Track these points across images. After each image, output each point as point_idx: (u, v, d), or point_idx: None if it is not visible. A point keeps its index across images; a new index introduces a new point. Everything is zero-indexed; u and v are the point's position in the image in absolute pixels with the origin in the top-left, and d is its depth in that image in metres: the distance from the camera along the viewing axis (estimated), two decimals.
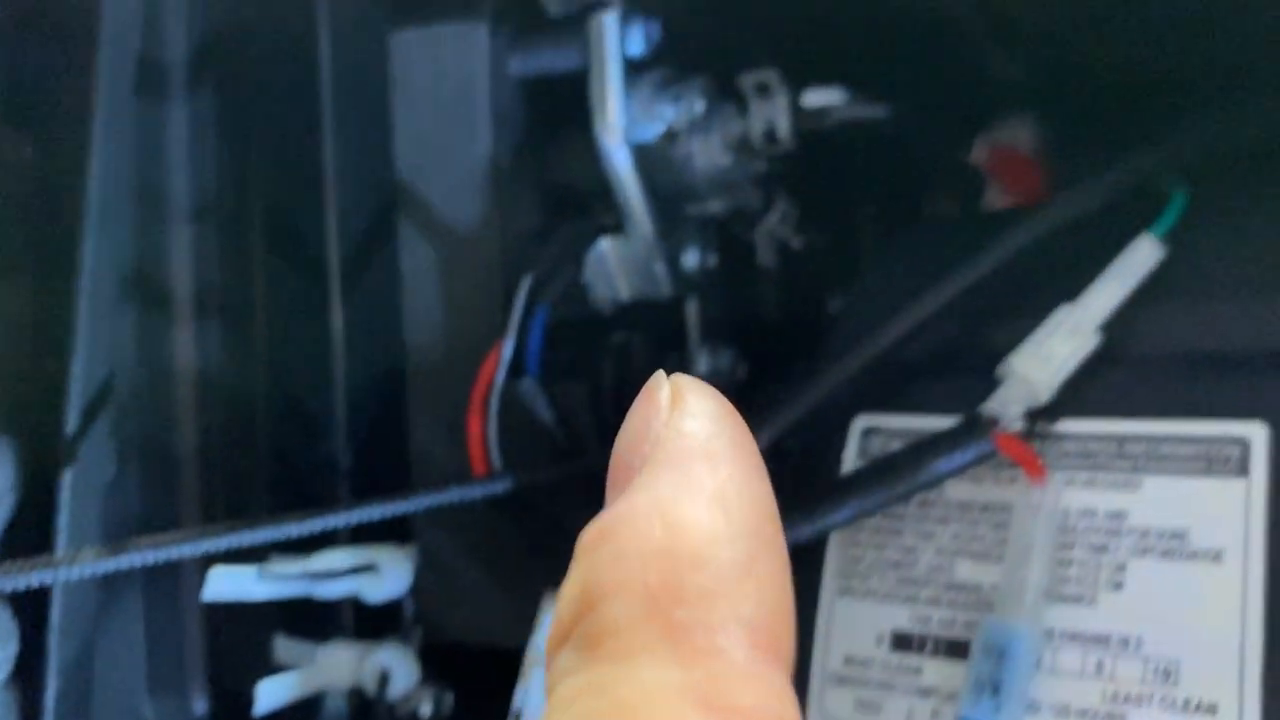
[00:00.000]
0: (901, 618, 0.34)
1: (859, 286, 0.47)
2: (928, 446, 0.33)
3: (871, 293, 0.46)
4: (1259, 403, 0.31)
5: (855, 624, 0.34)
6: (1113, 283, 0.34)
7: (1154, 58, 0.45)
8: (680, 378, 0.18)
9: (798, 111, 0.42)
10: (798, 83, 0.43)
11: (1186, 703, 0.29)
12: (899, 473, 0.33)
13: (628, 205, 0.42)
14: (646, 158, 0.42)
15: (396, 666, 0.42)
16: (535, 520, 0.39)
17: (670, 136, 0.42)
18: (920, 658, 0.33)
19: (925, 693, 0.33)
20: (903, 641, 0.33)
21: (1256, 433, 0.31)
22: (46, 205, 0.39)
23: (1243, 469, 0.31)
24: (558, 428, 0.40)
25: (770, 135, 0.43)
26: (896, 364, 0.36)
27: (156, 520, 0.43)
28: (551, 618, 0.19)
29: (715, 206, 0.45)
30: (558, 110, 0.43)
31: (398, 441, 0.43)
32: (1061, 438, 0.33)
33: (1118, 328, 0.33)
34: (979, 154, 0.51)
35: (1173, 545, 0.31)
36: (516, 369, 0.41)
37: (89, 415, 0.38)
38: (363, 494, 0.43)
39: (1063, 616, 0.31)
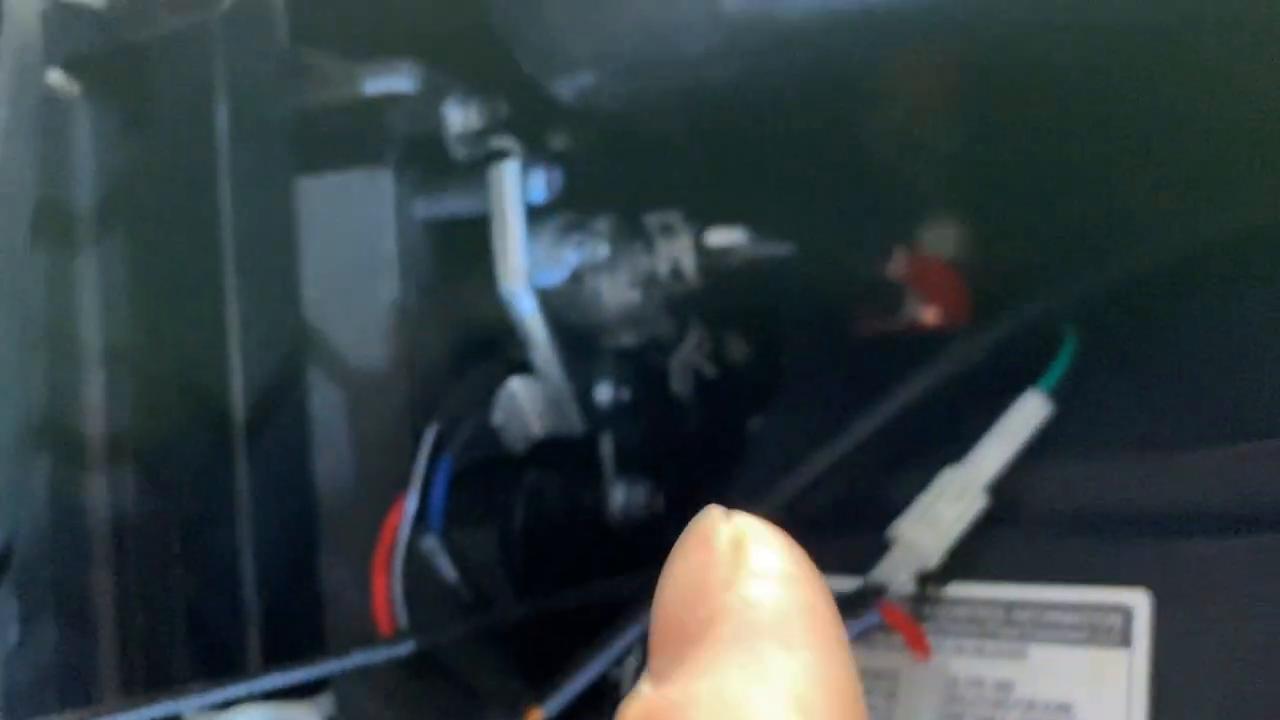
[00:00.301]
0: None
1: (774, 411, 0.47)
2: None
3: (787, 418, 0.47)
4: (1143, 569, 0.31)
5: None
6: (999, 441, 0.34)
7: (1072, 155, 0.46)
8: (744, 521, 0.15)
9: (702, 250, 0.42)
10: (708, 216, 0.43)
11: None
12: None
13: (535, 347, 0.42)
14: (553, 298, 0.42)
15: None
16: (443, 680, 0.39)
17: (576, 278, 0.42)
18: None
19: None
20: None
21: (1139, 601, 0.31)
22: None
23: (1125, 639, 0.31)
24: (462, 584, 0.39)
25: (676, 273, 0.43)
26: (790, 521, 0.36)
27: (74, 673, 0.43)
28: None
29: (628, 339, 0.45)
30: (468, 250, 0.43)
31: (311, 589, 0.43)
32: (951, 603, 0.33)
33: (1006, 487, 0.34)
34: (897, 266, 0.51)
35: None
36: (425, 519, 0.41)
37: None
38: (275, 644, 0.42)
39: None
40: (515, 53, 0.37)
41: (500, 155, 0.42)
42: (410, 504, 0.40)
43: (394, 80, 0.44)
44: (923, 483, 0.34)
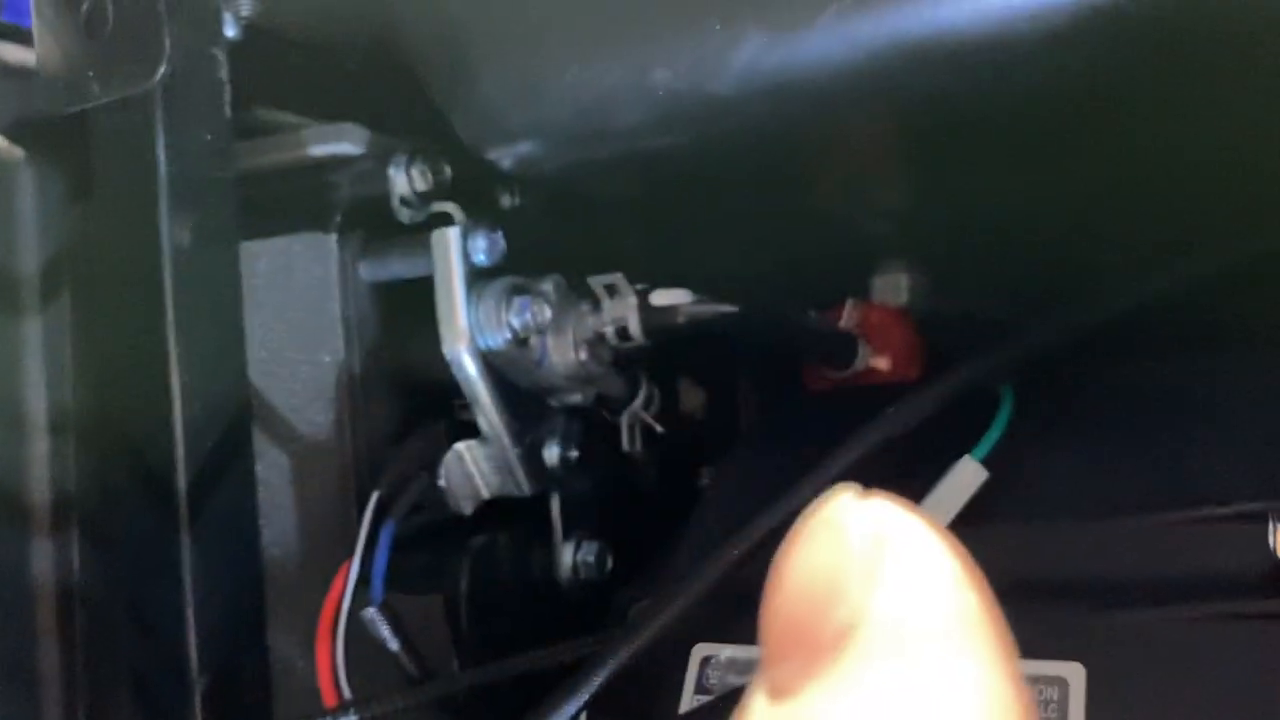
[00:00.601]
0: None
1: (725, 463, 0.47)
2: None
3: (738, 470, 0.47)
4: (1077, 641, 0.31)
5: None
6: (933, 510, 0.34)
7: (1022, 207, 0.46)
8: (885, 509, 0.12)
9: (647, 309, 0.42)
10: (656, 276, 0.43)
11: None
12: None
13: (480, 409, 0.42)
14: (498, 360, 0.42)
15: None
16: None
17: (521, 340, 0.42)
18: None
19: None
20: None
21: (1074, 674, 0.31)
22: None
23: (1061, 713, 0.31)
24: (404, 654, 0.39)
25: (623, 333, 0.43)
26: (732, 591, 0.36)
27: None
28: None
29: (576, 398, 0.45)
30: (414, 311, 0.43)
31: (257, 658, 0.43)
32: None
33: None
34: (849, 317, 0.51)
35: None
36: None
37: None
38: (221, 714, 0.42)
39: None
40: (453, 123, 0.37)
41: (444, 219, 0.42)
42: (353, 573, 0.40)
43: (340, 143, 0.44)
44: None
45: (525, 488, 0.44)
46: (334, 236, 0.43)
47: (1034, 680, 0.31)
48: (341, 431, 0.43)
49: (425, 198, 0.43)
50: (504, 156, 0.38)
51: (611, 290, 0.43)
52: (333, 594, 0.39)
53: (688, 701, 0.35)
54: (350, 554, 0.41)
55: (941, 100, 0.33)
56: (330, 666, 0.39)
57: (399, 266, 0.43)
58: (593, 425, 0.46)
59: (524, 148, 0.37)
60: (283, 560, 0.43)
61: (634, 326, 0.42)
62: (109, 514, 0.44)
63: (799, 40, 0.31)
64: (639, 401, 0.47)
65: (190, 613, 0.43)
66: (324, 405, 0.43)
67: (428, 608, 0.42)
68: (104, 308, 0.44)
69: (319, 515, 0.43)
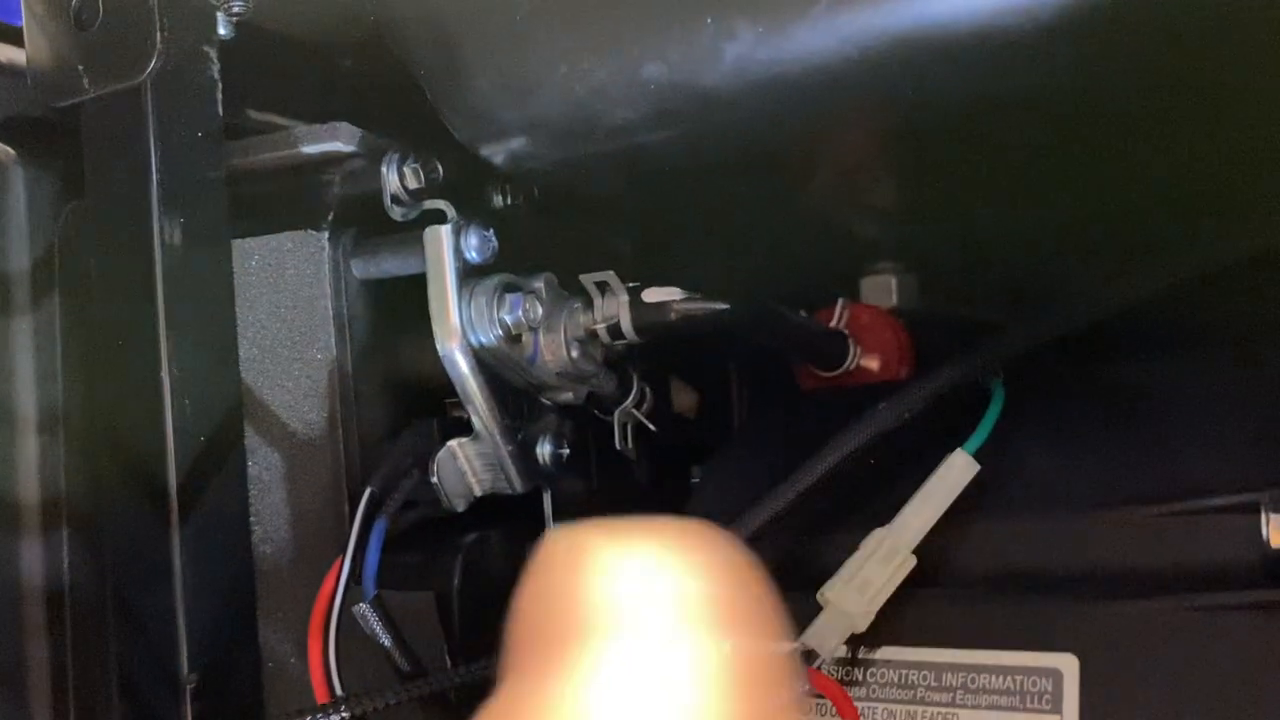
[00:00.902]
0: None
1: (716, 461, 0.47)
2: None
3: (730, 468, 0.47)
4: (1070, 632, 0.31)
5: None
6: (925, 503, 0.34)
7: (1010, 208, 0.46)
8: (597, 538, 0.15)
9: (639, 306, 0.42)
10: (648, 273, 0.43)
11: None
12: None
13: (473, 406, 0.42)
14: (491, 357, 0.42)
15: None
16: None
17: (513, 337, 0.42)
18: None
19: None
20: None
21: (1068, 665, 0.31)
22: None
23: (1055, 704, 0.31)
24: (396, 650, 0.39)
25: (615, 330, 0.43)
26: None
27: None
28: None
29: (568, 396, 0.45)
30: (406, 309, 0.43)
31: (248, 656, 0.42)
32: (881, 666, 0.33)
33: (933, 549, 0.34)
34: (840, 317, 0.51)
35: None
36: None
37: None
38: (211, 712, 0.42)
39: None
40: (445, 119, 0.37)
41: (436, 217, 0.42)
42: (345, 569, 0.39)
43: (332, 141, 0.44)
44: (854, 542, 0.34)
45: (517, 485, 0.43)
46: (326, 234, 0.43)
47: (1027, 671, 0.31)
48: (333, 429, 0.43)
49: (417, 195, 0.43)
50: (496, 153, 0.38)
51: (603, 288, 0.43)
52: (324, 591, 0.39)
53: None
54: (342, 551, 0.41)
55: (932, 95, 0.34)
56: (322, 663, 0.39)
57: (391, 264, 0.43)
58: (585, 424, 0.46)
59: (516, 144, 0.37)
60: (274, 558, 0.43)
61: (626, 324, 0.42)
62: (99, 512, 0.43)
63: (790, 34, 0.31)
64: (631, 400, 0.47)
65: (180, 610, 0.43)
66: (316, 403, 0.43)
67: (420, 605, 0.41)
68: (94, 306, 0.44)
69: (311, 512, 0.42)
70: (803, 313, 0.50)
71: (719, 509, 0.40)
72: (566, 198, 0.43)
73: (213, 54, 0.42)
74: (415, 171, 0.42)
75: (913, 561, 0.33)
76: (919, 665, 0.32)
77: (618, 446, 0.47)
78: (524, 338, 0.42)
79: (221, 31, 0.42)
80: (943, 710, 0.32)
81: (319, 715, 0.37)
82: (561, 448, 0.45)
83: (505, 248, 0.42)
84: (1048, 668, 0.31)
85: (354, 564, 0.39)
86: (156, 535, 0.42)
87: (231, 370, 0.43)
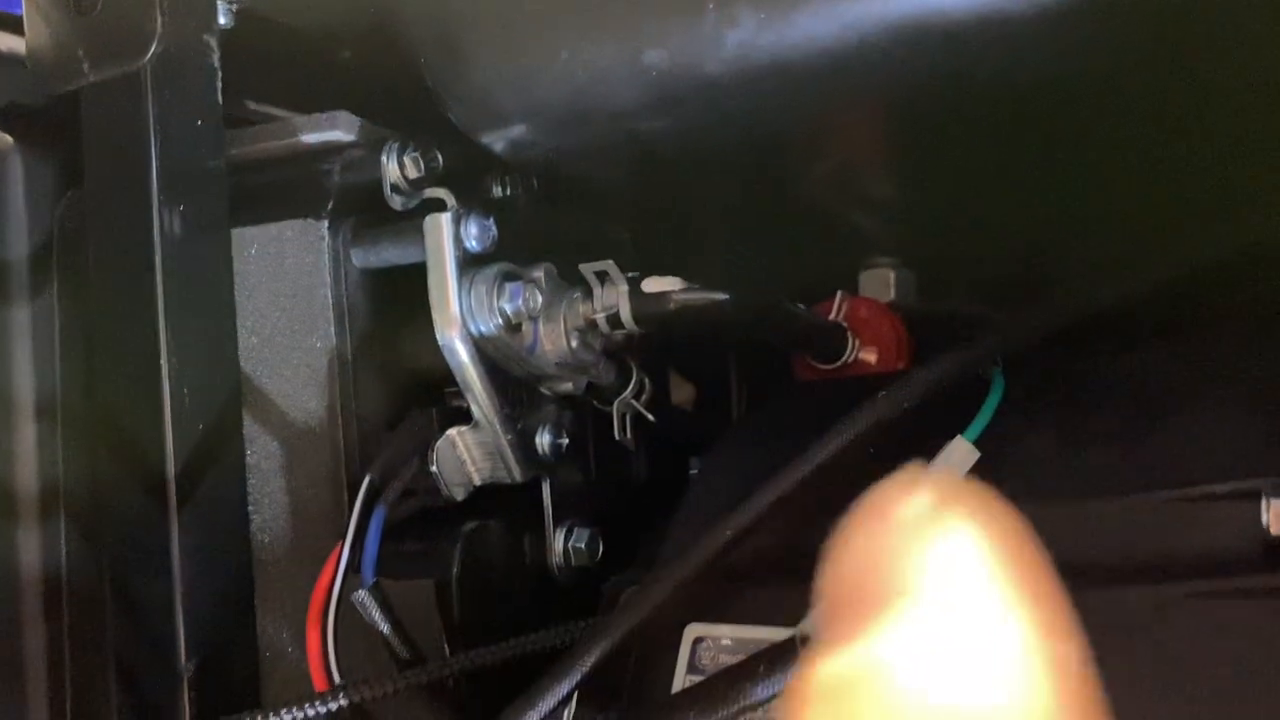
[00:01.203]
0: None
1: (715, 452, 0.47)
2: (745, 670, 0.32)
3: (728, 459, 0.47)
4: (1071, 619, 0.31)
5: None
6: None
7: (1009, 201, 0.46)
8: (936, 491, 0.15)
9: (639, 296, 0.42)
10: (648, 263, 0.43)
11: None
12: (716, 698, 0.32)
13: (472, 395, 0.42)
14: (491, 346, 0.42)
15: None
16: None
17: (513, 326, 0.42)
18: None
19: None
20: None
21: None
22: None
23: None
24: (395, 637, 0.39)
25: (614, 320, 0.43)
26: (725, 569, 0.36)
27: None
28: None
29: (568, 386, 0.45)
30: (405, 298, 0.43)
31: (246, 644, 0.42)
32: None
33: None
34: (839, 309, 0.51)
35: None
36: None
37: None
38: (209, 700, 0.42)
39: None
40: (446, 107, 0.37)
41: (436, 205, 0.42)
42: (344, 557, 0.39)
43: (333, 131, 0.44)
44: None
45: (517, 474, 0.43)
46: (326, 223, 0.43)
47: None
48: (333, 417, 0.43)
49: (417, 184, 0.43)
50: (497, 141, 0.38)
51: (603, 277, 0.43)
52: (323, 579, 0.39)
53: (680, 681, 0.35)
54: (341, 539, 0.41)
55: (933, 82, 0.34)
56: (321, 651, 0.39)
57: (391, 253, 0.43)
58: (584, 414, 0.46)
59: (517, 131, 0.37)
60: (273, 546, 0.43)
61: (625, 313, 0.42)
62: (97, 500, 0.43)
63: (792, 20, 0.31)
64: (630, 390, 0.47)
65: (179, 599, 0.43)
66: (315, 391, 0.43)
67: (419, 593, 0.41)
68: (94, 294, 0.44)
69: (310, 501, 0.42)
70: (801, 306, 0.50)
71: (716, 499, 0.40)
72: (566, 187, 0.43)
73: (213, 43, 0.42)
74: (415, 160, 0.42)
75: None
76: None
77: (616, 437, 0.47)
78: (524, 327, 0.42)
79: (222, 20, 0.42)
80: None
81: (317, 703, 0.37)
82: (560, 437, 0.45)
83: (505, 237, 0.42)
84: None
85: (353, 552, 0.39)
86: (155, 524, 0.42)
87: (231, 359, 0.43)
